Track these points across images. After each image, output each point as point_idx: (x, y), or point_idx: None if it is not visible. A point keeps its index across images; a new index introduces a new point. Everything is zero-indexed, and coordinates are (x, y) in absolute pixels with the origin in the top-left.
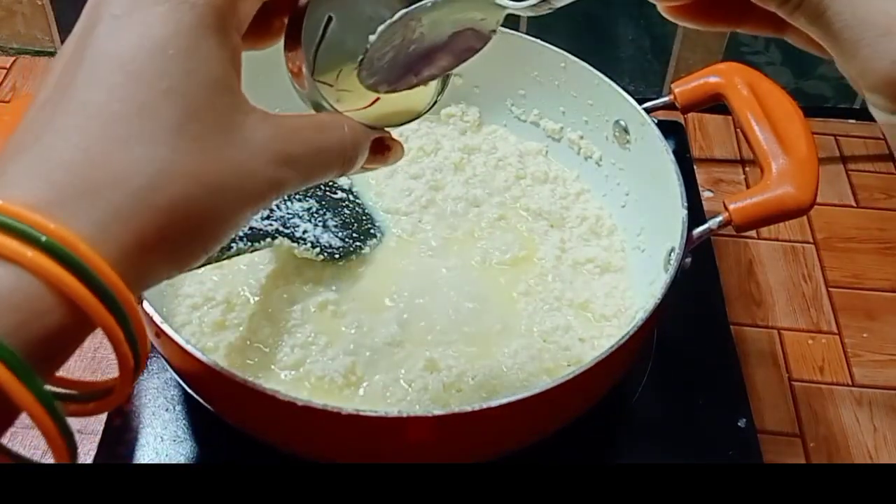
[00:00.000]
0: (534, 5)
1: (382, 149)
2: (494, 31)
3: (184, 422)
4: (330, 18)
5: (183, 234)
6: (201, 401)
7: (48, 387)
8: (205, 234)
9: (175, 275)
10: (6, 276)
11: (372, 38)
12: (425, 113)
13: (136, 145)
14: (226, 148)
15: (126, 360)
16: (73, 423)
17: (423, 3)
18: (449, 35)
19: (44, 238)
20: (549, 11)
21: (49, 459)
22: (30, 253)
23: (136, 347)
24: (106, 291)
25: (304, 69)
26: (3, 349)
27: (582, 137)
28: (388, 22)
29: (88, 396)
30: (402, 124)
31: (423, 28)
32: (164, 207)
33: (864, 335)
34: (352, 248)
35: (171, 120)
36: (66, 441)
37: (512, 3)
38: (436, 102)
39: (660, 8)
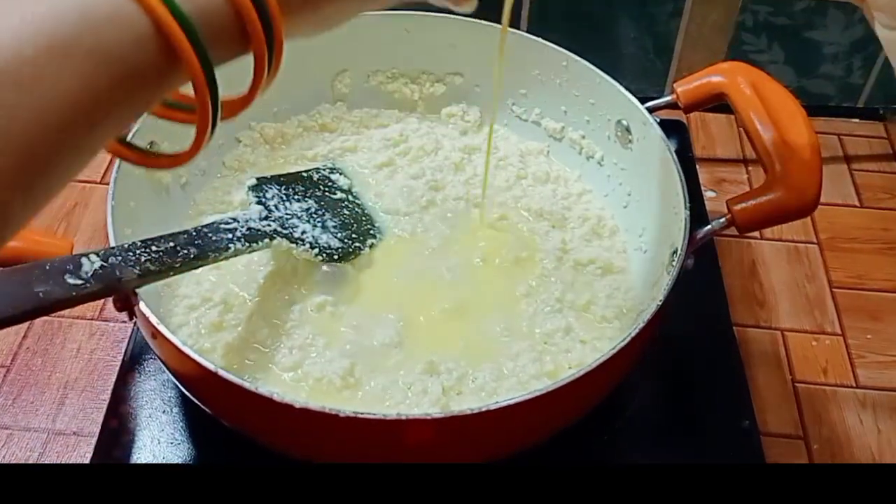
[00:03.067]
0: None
1: None
2: None
3: (181, 424)
4: None
5: None
6: (198, 403)
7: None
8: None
9: (311, 33)
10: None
11: None
12: None
13: None
14: None
15: (262, 65)
16: (70, 425)
17: None
18: None
19: None
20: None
21: (47, 460)
22: None
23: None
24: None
25: None
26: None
27: (584, 137)
28: None
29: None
30: None
31: None
32: None
33: (868, 336)
34: (351, 249)
35: None
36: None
37: None
38: None
39: None
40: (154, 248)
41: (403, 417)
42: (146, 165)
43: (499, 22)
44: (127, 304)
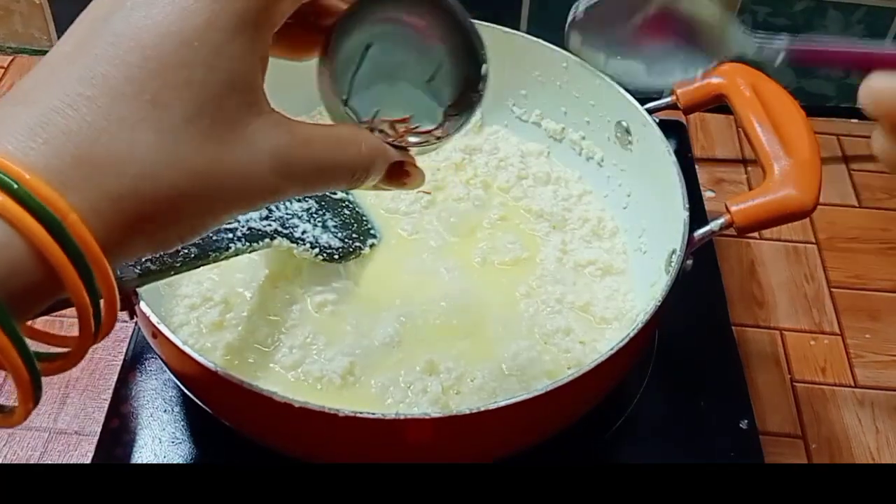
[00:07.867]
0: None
1: (401, 174)
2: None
3: (182, 423)
4: (369, 45)
5: (166, 221)
6: (199, 402)
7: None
8: (185, 226)
9: (150, 254)
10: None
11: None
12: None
13: (142, 131)
14: (229, 147)
15: (87, 325)
16: (72, 424)
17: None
18: None
19: (33, 200)
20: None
21: (49, 459)
22: (18, 212)
23: (99, 316)
24: (83, 260)
25: (332, 86)
26: None
27: (584, 138)
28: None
29: (46, 356)
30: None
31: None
32: (154, 197)
33: (867, 336)
34: (351, 249)
35: (182, 112)
36: (33, 385)
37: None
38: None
39: None
40: None
41: (403, 417)
42: None
43: (500, 24)
44: (128, 303)
